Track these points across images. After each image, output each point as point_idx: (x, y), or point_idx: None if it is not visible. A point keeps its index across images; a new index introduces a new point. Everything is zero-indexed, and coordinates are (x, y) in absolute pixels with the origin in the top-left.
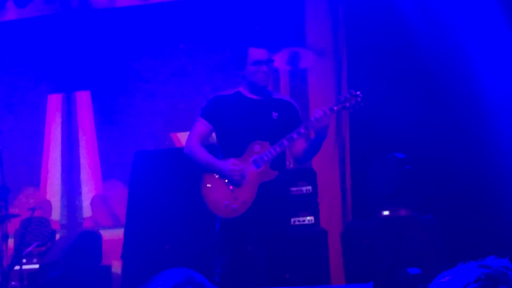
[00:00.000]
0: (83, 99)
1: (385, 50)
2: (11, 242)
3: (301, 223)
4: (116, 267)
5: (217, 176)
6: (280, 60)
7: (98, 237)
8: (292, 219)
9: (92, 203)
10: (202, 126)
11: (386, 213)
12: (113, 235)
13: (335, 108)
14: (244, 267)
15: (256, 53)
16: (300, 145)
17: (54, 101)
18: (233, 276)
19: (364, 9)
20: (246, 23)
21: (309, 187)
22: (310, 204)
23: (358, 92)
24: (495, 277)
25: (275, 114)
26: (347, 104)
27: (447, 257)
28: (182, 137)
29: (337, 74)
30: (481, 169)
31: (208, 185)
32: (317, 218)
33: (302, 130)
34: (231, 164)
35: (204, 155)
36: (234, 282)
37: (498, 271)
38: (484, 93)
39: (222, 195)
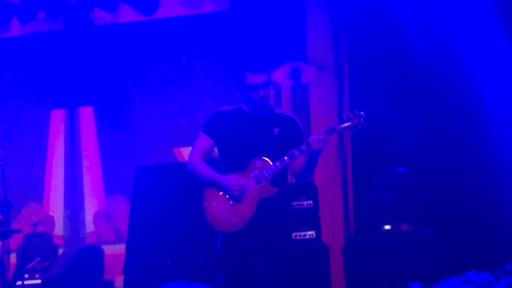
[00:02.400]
0: (86, 115)
1: (386, 64)
2: (13, 257)
3: (303, 237)
4: (118, 282)
5: (217, 191)
6: (282, 75)
7: (100, 252)
8: (294, 234)
9: (95, 218)
10: (203, 141)
11: (387, 227)
12: (115, 250)
13: (337, 127)
14: (245, 282)
15: (253, 78)
16: (300, 161)
17: (57, 117)
18: None
19: (364, 24)
20: (248, 39)
21: (310, 202)
22: (311, 219)
23: (362, 112)
24: None
25: (276, 130)
26: (350, 123)
27: (448, 271)
28: (184, 152)
29: (339, 89)
30: (483, 183)
31: (208, 199)
32: (318, 233)
33: (304, 148)
34: (231, 179)
35: (205, 170)
36: None
37: (481, 286)
38: (486, 107)
39: (221, 210)
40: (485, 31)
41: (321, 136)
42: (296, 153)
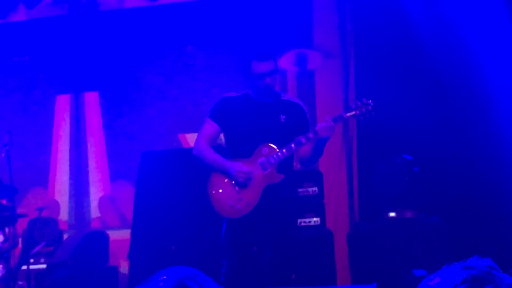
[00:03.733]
0: (91, 100)
1: (393, 51)
2: (18, 241)
3: (307, 224)
4: (123, 267)
5: (223, 177)
6: (288, 61)
7: (106, 237)
8: (298, 220)
9: (100, 203)
10: (210, 127)
11: (392, 214)
12: (120, 236)
13: (345, 115)
14: (249, 267)
15: (259, 66)
16: (306, 149)
17: (63, 102)
18: (239, 276)
19: (371, 11)
20: (254, 25)
21: (315, 188)
22: (316, 205)
23: (370, 101)
24: (481, 278)
25: (283, 117)
26: (358, 112)
27: (453, 259)
28: (190, 138)
29: (345, 76)
30: (488, 171)
31: (214, 185)
32: (323, 219)
33: (311, 135)
34: (238, 166)
35: (212, 156)
36: (240, 282)
37: (482, 271)
38: (492, 95)
39: (227, 196)
40: (493, 19)
41: (328, 124)
42: (303, 140)
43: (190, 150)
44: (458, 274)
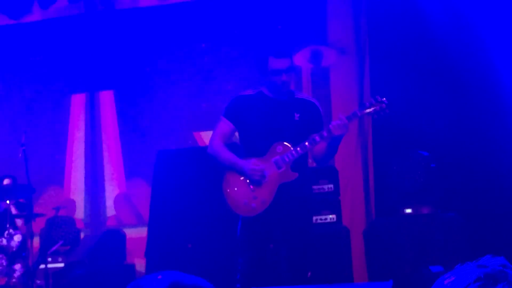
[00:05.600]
0: (107, 99)
1: (408, 48)
2: (36, 241)
3: (323, 221)
4: (140, 265)
5: (238, 175)
6: (302, 58)
7: (122, 235)
8: (314, 218)
9: (116, 202)
10: (224, 125)
11: (408, 211)
12: (136, 234)
13: (359, 113)
14: (265, 265)
15: (275, 63)
16: (320, 147)
17: (78, 101)
18: (255, 274)
19: (386, 7)
20: (268, 22)
21: (331, 185)
22: (332, 203)
23: (384, 99)
24: (494, 276)
25: (297, 115)
26: (372, 110)
27: (470, 255)
28: (205, 136)
29: (360, 72)
30: (505, 167)
31: (229, 183)
32: (339, 216)
33: (325, 134)
34: (252, 164)
35: (226, 154)
36: (256, 280)
37: (495, 270)
38: (508, 92)
39: (242, 194)
40: (510, 16)
41: (342, 122)
42: (317, 138)
43: (205, 148)
44: (472, 272)
